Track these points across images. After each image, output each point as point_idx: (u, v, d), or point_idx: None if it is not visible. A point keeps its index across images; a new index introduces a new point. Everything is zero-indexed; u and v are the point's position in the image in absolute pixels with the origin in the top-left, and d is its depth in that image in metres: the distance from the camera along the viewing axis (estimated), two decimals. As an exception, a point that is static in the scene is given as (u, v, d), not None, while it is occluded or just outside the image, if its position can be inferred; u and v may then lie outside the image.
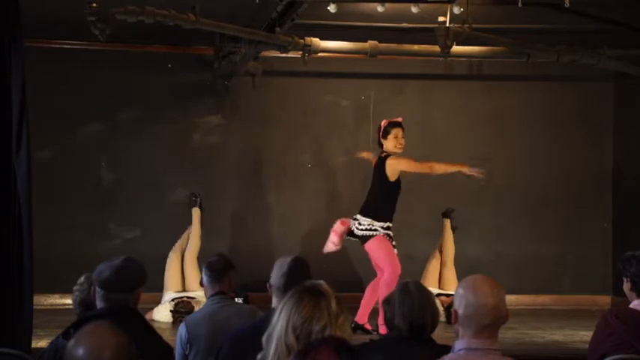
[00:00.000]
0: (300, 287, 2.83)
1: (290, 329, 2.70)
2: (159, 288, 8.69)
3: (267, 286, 4.05)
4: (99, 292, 3.73)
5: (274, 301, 4.00)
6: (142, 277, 3.83)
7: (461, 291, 3.10)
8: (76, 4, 6.91)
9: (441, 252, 9.36)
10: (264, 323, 2.90)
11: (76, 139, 9.58)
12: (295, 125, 9.96)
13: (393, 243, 7.65)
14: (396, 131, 7.61)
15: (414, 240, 9.87)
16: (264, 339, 2.78)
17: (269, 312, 3.82)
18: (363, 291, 9.50)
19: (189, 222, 9.16)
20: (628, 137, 10.07)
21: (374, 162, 7.79)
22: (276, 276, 4.00)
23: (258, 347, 2.82)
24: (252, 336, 3.40)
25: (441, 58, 8.81)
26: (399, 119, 7.72)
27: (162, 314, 8.35)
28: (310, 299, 2.75)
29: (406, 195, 9.97)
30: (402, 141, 7.61)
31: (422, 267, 9.44)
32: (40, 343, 6.32)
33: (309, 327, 2.70)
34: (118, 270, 3.72)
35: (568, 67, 9.21)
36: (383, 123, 7.69)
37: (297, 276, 3.85)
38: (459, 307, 3.07)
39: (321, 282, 2.91)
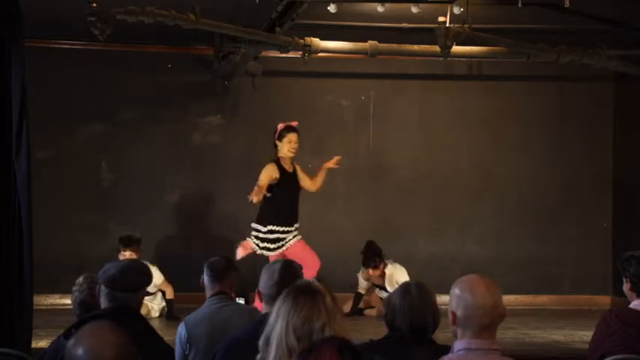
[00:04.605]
0: (293, 288, 2.81)
1: (290, 331, 2.69)
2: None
3: (256, 291, 3.99)
4: (103, 291, 3.74)
5: (265, 307, 3.93)
6: (147, 279, 3.83)
7: (458, 292, 3.07)
8: (76, 5, 6.90)
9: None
10: (258, 329, 2.88)
11: (76, 139, 9.57)
12: (295, 125, 9.95)
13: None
14: (290, 136, 7.69)
15: (415, 240, 9.88)
16: (261, 342, 2.76)
17: (262, 317, 3.79)
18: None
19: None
20: (628, 137, 10.06)
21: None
22: (266, 285, 3.87)
23: (253, 354, 2.81)
24: (246, 343, 3.38)
25: (441, 58, 8.80)
26: (295, 123, 7.79)
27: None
28: (306, 299, 2.74)
29: (407, 196, 10.03)
30: (296, 146, 7.73)
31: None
32: (40, 343, 6.31)
33: (309, 326, 2.69)
34: (124, 269, 3.74)
35: (568, 67, 9.20)
36: (279, 126, 7.76)
37: (289, 283, 3.79)
38: (457, 308, 3.05)
39: (312, 280, 2.91)
